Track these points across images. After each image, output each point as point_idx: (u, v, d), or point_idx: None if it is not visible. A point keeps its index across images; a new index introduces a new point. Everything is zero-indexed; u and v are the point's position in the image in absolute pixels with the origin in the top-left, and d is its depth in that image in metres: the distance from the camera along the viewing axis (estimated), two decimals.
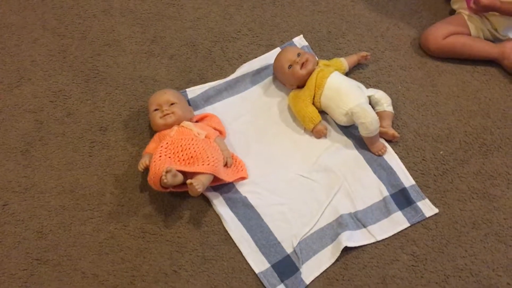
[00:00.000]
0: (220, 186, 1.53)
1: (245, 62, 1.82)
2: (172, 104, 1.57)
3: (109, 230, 1.48)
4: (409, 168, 1.58)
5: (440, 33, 1.78)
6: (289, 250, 1.44)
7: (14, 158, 1.60)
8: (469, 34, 1.79)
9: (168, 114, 1.55)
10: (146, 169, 1.48)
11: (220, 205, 1.50)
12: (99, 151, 1.62)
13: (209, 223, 1.49)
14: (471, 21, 1.79)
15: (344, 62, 1.75)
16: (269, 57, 1.81)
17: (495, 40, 1.82)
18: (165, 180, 1.37)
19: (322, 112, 1.67)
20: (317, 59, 1.75)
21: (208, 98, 1.74)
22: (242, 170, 1.57)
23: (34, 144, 1.63)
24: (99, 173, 1.57)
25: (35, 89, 1.75)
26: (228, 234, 1.47)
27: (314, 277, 1.41)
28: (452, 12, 1.90)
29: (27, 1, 1.98)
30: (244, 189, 1.55)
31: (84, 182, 1.56)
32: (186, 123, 1.55)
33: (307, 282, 1.40)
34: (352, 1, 1.99)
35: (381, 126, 1.59)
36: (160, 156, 1.45)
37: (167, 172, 1.37)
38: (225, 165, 1.53)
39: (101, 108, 1.71)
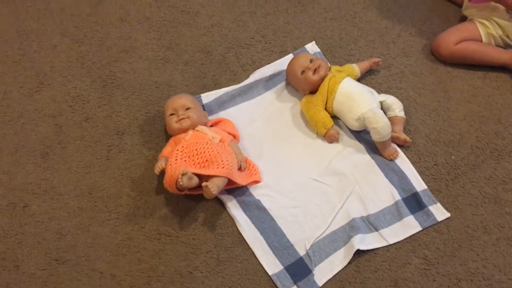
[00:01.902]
0: (234, 189, 1.55)
1: (258, 68, 1.85)
2: (187, 109, 1.60)
3: (126, 232, 1.51)
4: (420, 173, 1.60)
5: (452, 39, 1.80)
6: (302, 253, 1.47)
7: (34, 161, 1.64)
8: (481, 41, 1.81)
9: (183, 118, 1.58)
10: (162, 172, 1.51)
11: (234, 208, 1.53)
12: (116, 154, 1.66)
13: (223, 226, 1.52)
14: (482, 28, 1.80)
15: (356, 68, 1.78)
16: (282, 63, 1.85)
17: (506, 46, 1.83)
18: (181, 183, 1.40)
19: (334, 117, 1.69)
20: (329, 65, 1.78)
21: (222, 103, 1.77)
22: (255, 173, 1.60)
23: (53, 148, 1.67)
24: (116, 176, 1.61)
25: (54, 94, 1.79)
26: (242, 236, 1.49)
27: (327, 279, 1.42)
28: (463, 18, 1.92)
29: (46, 9, 2.04)
30: (257, 192, 1.58)
31: (102, 184, 1.60)
32: (201, 128, 1.59)
33: (320, 284, 1.41)
34: (363, 8, 2.02)
35: (393, 131, 1.61)
36: (176, 160, 1.49)
37: (183, 174, 1.40)
38: (239, 168, 1.56)
39: (118, 113, 1.75)
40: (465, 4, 1.88)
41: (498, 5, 1.72)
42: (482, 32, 1.81)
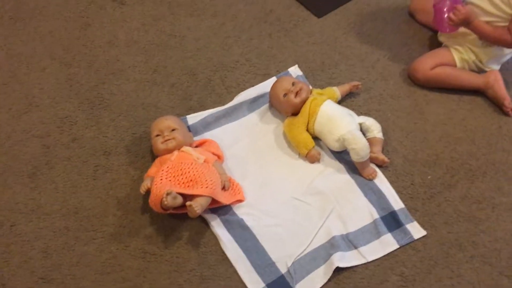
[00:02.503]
0: (218, 208, 1.59)
1: (242, 91, 1.91)
2: (173, 130, 1.65)
3: (111, 251, 1.54)
4: (398, 192, 1.65)
5: (428, 64, 1.87)
6: (283, 270, 1.50)
7: (21, 181, 1.67)
8: (455, 66, 1.89)
9: (169, 139, 1.63)
10: (148, 192, 1.55)
11: (217, 227, 1.57)
12: (102, 174, 1.69)
13: (207, 244, 1.55)
14: (457, 53, 1.88)
15: (337, 91, 1.84)
16: (265, 86, 1.90)
17: (480, 71, 1.90)
18: (165, 202, 1.44)
19: (316, 138, 1.75)
20: (310, 88, 1.85)
21: (207, 125, 1.82)
22: (239, 193, 1.64)
23: (41, 168, 1.70)
24: (102, 195, 1.65)
25: (43, 116, 1.83)
26: (225, 254, 1.53)
27: None
28: (439, 44, 2.00)
29: (36, 33, 2.09)
30: (241, 211, 1.62)
31: (88, 204, 1.63)
32: (186, 148, 1.63)
33: None
34: (344, 34, 2.10)
35: (371, 151, 1.67)
36: (161, 179, 1.53)
37: (167, 194, 1.44)
38: (223, 188, 1.60)
39: (105, 134, 1.79)
40: (439, 31, 1.96)
41: (469, 31, 1.80)
42: (457, 58, 1.88)
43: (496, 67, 1.90)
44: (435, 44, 2.03)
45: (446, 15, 1.78)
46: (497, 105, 1.85)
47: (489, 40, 1.79)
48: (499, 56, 1.87)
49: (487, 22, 1.77)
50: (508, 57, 1.90)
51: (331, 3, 2.21)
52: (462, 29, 1.80)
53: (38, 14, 2.15)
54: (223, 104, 1.87)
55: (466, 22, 1.76)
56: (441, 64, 1.88)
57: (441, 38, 1.98)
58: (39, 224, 1.59)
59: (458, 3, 1.78)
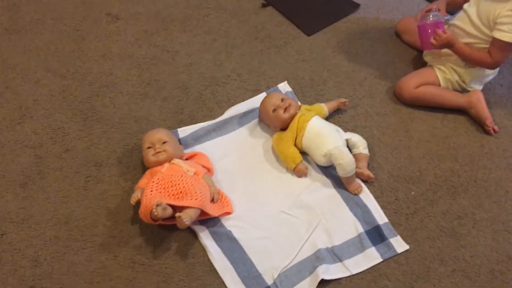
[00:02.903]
0: (206, 220, 1.63)
1: (233, 105, 1.95)
2: (164, 142, 1.69)
3: (100, 260, 1.56)
4: (383, 207, 1.69)
5: (413, 83, 1.93)
6: (269, 282, 1.53)
7: (13, 190, 1.70)
8: (439, 85, 1.95)
9: (160, 152, 1.67)
10: (138, 203, 1.58)
11: (206, 238, 1.60)
12: (94, 185, 1.72)
13: (195, 255, 1.58)
14: (441, 73, 1.95)
15: (325, 107, 1.89)
16: (255, 101, 1.95)
17: (463, 90, 1.97)
18: (155, 213, 1.47)
19: (303, 153, 1.79)
20: (299, 104, 1.90)
21: (198, 138, 1.86)
22: (227, 205, 1.68)
23: (33, 178, 1.73)
24: (93, 206, 1.67)
25: (36, 126, 1.86)
26: (213, 265, 1.56)
27: None
28: (424, 64, 2.06)
29: (32, 45, 2.13)
30: (229, 223, 1.65)
31: (79, 214, 1.66)
32: (176, 161, 1.67)
33: None
34: (333, 52, 2.16)
35: (357, 167, 1.71)
36: (151, 191, 1.56)
37: (157, 205, 1.48)
38: (212, 200, 1.63)
39: (97, 145, 1.82)
40: (425, 51, 2.03)
41: (452, 52, 1.87)
42: (440, 77, 1.95)
43: (479, 87, 1.96)
44: (420, 63, 2.09)
45: (430, 33, 1.84)
46: (479, 124, 1.91)
47: (471, 61, 1.86)
48: (482, 77, 1.93)
49: (469, 44, 1.84)
50: (490, 77, 1.97)
51: (321, 22, 2.28)
52: (445, 50, 1.87)
53: (33, 27, 2.20)
54: (214, 118, 1.91)
55: (448, 45, 1.83)
56: (425, 83, 1.94)
57: (426, 58, 2.05)
58: (30, 233, 1.61)
59: (441, 23, 1.85)
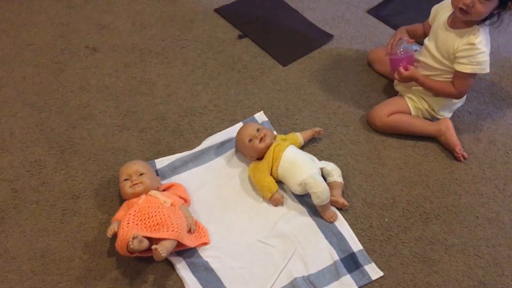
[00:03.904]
0: (183, 251, 1.64)
1: (210, 135, 1.98)
2: (141, 174, 1.71)
3: None
4: (357, 234, 1.72)
5: (384, 112, 1.99)
6: None
7: None
8: (410, 113, 2.01)
9: (137, 183, 1.68)
10: (115, 235, 1.58)
11: (182, 269, 1.61)
12: (70, 218, 1.72)
13: (172, 286, 1.59)
14: (411, 102, 2.01)
15: (300, 137, 1.93)
16: (232, 131, 1.98)
17: (433, 118, 2.03)
18: (131, 246, 1.48)
19: (279, 182, 1.82)
20: (275, 133, 1.94)
21: (175, 168, 1.88)
22: (204, 235, 1.69)
23: (8, 212, 1.72)
24: (69, 239, 1.67)
25: (13, 160, 1.87)
26: None
27: None
28: (396, 93, 2.13)
29: (9, 78, 2.14)
30: (206, 253, 1.66)
31: (55, 247, 1.65)
32: (153, 192, 1.69)
33: None
34: (308, 82, 2.22)
35: (332, 195, 1.75)
36: (128, 223, 1.57)
37: (133, 238, 1.49)
38: (189, 231, 1.65)
39: (74, 178, 1.83)
40: (396, 80, 2.10)
41: None
42: (411, 106, 2.01)
43: (448, 114, 2.03)
44: (391, 92, 2.16)
45: (399, 67, 1.93)
46: (449, 151, 1.97)
47: (436, 93, 1.93)
48: (450, 105, 2.00)
49: (433, 76, 1.92)
50: (458, 105, 2.04)
51: (296, 53, 2.34)
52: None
53: (11, 60, 2.22)
54: (191, 149, 1.94)
55: (411, 80, 1.91)
56: (397, 112, 2.00)
57: (397, 87, 2.11)
58: (5, 267, 1.60)
59: (410, 56, 1.93)
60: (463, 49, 1.79)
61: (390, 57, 1.99)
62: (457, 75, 1.85)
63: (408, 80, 1.92)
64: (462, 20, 1.78)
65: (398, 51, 1.95)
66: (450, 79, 1.89)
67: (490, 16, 1.75)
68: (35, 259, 1.62)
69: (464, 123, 2.08)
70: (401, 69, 1.90)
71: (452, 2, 1.78)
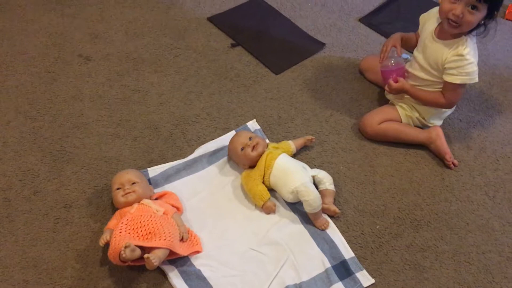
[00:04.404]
0: (176, 259, 1.64)
1: (203, 144, 1.99)
2: (133, 183, 1.71)
3: None
4: (349, 242, 1.74)
5: (375, 120, 2.01)
6: None
7: None
8: (401, 121, 2.03)
9: (129, 192, 1.69)
10: (107, 244, 1.59)
11: (175, 278, 1.61)
12: (63, 227, 1.73)
13: None
14: (402, 110, 2.03)
15: (292, 145, 1.95)
16: (224, 139, 2.00)
17: (424, 126, 2.06)
18: (124, 255, 1.49)
19: (271, 190, 1.83)
20: (267, 141, 1.95)
21: (167, 177, 1.89)
22: (197, 244, 1.70)
23: (1, 221, 1.72)
24: (62, 248, 1.67)
25: (5, 169, 1.87)
26: None
27: None
28: (387, 101, 2.15)
29: (2, 87, 2.15)
30: (198, 262, 1.67)
31: (47, 257, 1.65)
32: (145, 201, 1.69)
33: None
34: (300, 90, 2.24)
35: (323, 203, 1.76)
36: (120, 232, 1.57)
37: (126, 247, 1.49)
38: (181, 239, 1.65)
39: (67, 186, 1.83)
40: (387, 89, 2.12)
41: None
42: (402, 114, 2.03)
43: (438, 122, 2.05)
44: (383, 100, 2.18)
45: (390, 77, 1.95)
46: (439, 158, 1.99)
47: (427, 104, 1.96)
48: (440, 113, 2.02)
49: (423, 86, 1.94)
50: (448, 113, 2.06)
51: (288, 61, 2.37)
52: None
53: (5, 69, 2.22)
54: (184, 157, 1.95)
55: (402, 91, 1.94)
56: (388, 120, 2.02)
57: (388, 96, 2.13)
58: None
59: (401, 68, 1.95)
60: (451, 60, 1.81)
61: (381, 69, 2.01)
62: (447, 86, 1.87)
63: (398, 92, 1.95)
64: (452, 32, 1.80)
65: (390, 63, 1.96)
66: (439, 89, 1.91)
67: (477, 26, 1.78)
68: (28, 268, 1.62)
69: (455, 131, 2.10)
70: (391, 81, 1.93)
71: (440, 14, 1.80)
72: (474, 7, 1.70)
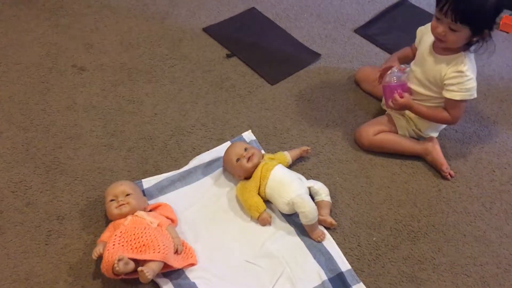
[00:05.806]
0: (170, 272, 1.61)
1: (198, 155, 1.97)
2: (127, 195, 1.69)
3: None
4: (345, 254, 1.72)
5: (371, 131, 2.00)
6: None
7: None
8: (397, 132, 2.03)
9: (123, 204, 1.67)
10: (100, 257, 1.56)
11: None
12: (55, 239, 1.70)
13: None
14: (398, 121, 2.03)
15: (288, 156, 1.93)
16: (219, 150, 1.98)
17: (419, 138, 2.05)
18: (117, 268, 1.46)
19: (267, 202, 1.81)
20: (263, 152, 1.94)
21: (162, 188, 1.87)
22: (191, 256, 1.67)
23: None
24: (54, 261, 1.65)
25: None
26: None
27: None
28: (383, 112, 2.15)
29: None
30: (193, 275, 1.64)
31: (39, 270, 1.62)
32: (139, 213, 1.67)
33: None
34: (296, 100, 2.23)
35: (320, 214, 1.75)
36: (113, 245, 1.55)
37: (119, 260, 1.46)
38: (176, 252, 1.63)
39: (59, 198, 1.81)
40: (383, 100, 2.11)
41: None
42: (398, 125, 2.02)
43: (435, 134, 2.04)
44: (379, 111, 2.17)
45: (392, 95, 1.93)
46: (436, 169, 1.98)
47: (430, 120, 1.95)
48: (436, 125, 2.01)
49: (422, 101, 1.93)
50: (444, 125, 2.05)
51: (284, 72, 2.36)
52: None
53: None
54: (179, 168, 1.93)
55: (405, 108, 1.92)
56: (383, 131, 2.01)
57: (384, 106, 2.13)
58: None
59: (403, 85, 1.93)
60: (451, 77, 1.80)
61: (383, 85, 1.98)
62: (449, 103, 1.86)
63: (403, 107, 1.92)
64: (442, 48, 1.80)
65: (392, 79, 1.94)
66: (438, 104, 1.90)
67: (473, 43, 1.77)
68: (19, 282, 1.59)
69: (451, 142, 2.10)
70: (397, 96, 1.89)
71: (431, 31, 1.81)
72: (452, 29, 1.71)
